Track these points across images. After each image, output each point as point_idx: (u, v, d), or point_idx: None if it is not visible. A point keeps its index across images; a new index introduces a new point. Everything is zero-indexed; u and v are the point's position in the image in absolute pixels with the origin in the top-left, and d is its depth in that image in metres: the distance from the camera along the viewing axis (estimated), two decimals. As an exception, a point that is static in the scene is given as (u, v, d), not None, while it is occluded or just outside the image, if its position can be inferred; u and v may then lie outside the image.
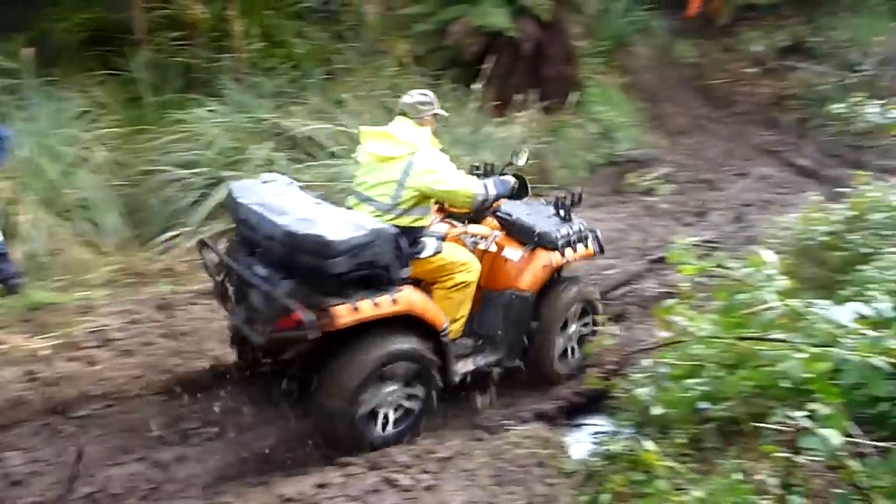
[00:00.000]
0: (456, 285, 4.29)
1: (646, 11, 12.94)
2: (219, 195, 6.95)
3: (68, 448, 3.93)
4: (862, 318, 1.83)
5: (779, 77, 12.91)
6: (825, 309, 1.85)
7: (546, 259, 4.66)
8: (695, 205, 9.21)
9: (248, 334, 3.84)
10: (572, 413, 4.82)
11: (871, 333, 1.79)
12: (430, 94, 4.31)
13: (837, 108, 6.92)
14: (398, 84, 9.50)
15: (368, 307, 3.69)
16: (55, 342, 4.93)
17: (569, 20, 10.09)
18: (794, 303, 1.97)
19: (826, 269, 4.31)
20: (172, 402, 4.41)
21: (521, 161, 4.70)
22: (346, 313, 3.61)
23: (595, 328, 4.98)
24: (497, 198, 4.42)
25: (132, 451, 3.96)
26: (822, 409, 1.80)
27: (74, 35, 8.42)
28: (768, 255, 2.08)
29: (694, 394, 3.08)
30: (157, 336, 5.11)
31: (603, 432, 4.25)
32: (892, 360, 1.77)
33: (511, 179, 4.55)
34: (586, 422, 4.72)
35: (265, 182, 4.20)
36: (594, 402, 4.77)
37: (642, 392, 3.44)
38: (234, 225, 4.20)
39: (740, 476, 2.67)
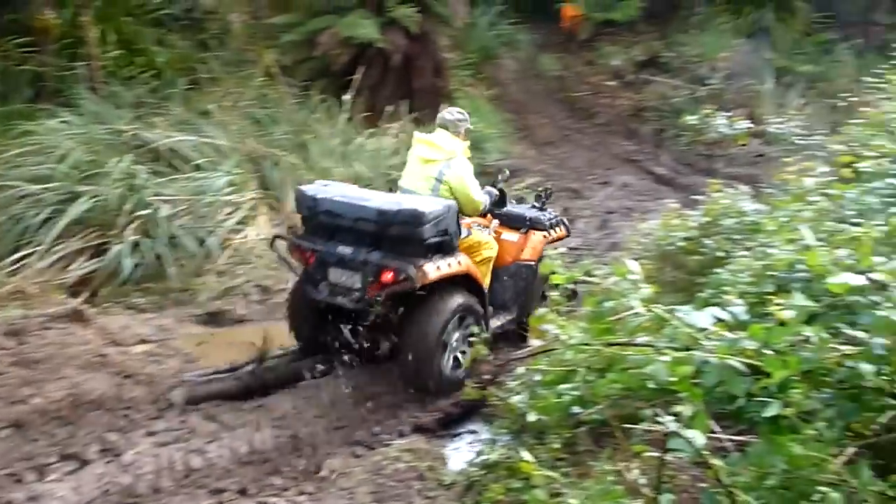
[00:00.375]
0: (482, 260, 5.28)
1: (511, 26, 13.30)
2: (74, 211, 6.57)
3: None
4: (719, 322, 1.92)
5: (636, 90, 13.56)
6: (686, 314, 1.93)
7: (539, 237, 5.77)
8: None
9: (340, 302, 4.75)
10: (450, 423, 4.85)
11: (729, 335, 1.88)
12: (465, 112, 5.54)
13: (691, 119, 7.34)
14: (266, 94, 9.32)
15: (445, 266, 4.68)
16: None
17: (437, 32, 10.19)
18: (658, 309, 2.05)
19: (684, 272, 4.52)
20: (26, 434, 4.10)
21: (504, 180, 5.79)
22: (433, 270, 4.57)
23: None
24: (488, 209, 5.50)
25: (-20, 491, 3.65)
26: (687, 410, 1.88)
27: None
28: (633, 265, 2.15)
29: (567, 399, 3.15)
30: (7, 364, 4.73)
31: (480, 441, 4.29)
32: (747, 361, 1.86)
33: (494, 191, 5.60)
34: (464, 431, 4.76)
35: (326, 185, 5.18)
36: (471, 412, 4.82)
37: (517, 399, 3.49)
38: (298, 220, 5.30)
39: (613, 478, 2.76)
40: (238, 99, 9.14)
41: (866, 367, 1.78)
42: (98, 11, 8.78)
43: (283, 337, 5.73)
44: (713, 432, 2.19)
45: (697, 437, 1.69)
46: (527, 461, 2.15)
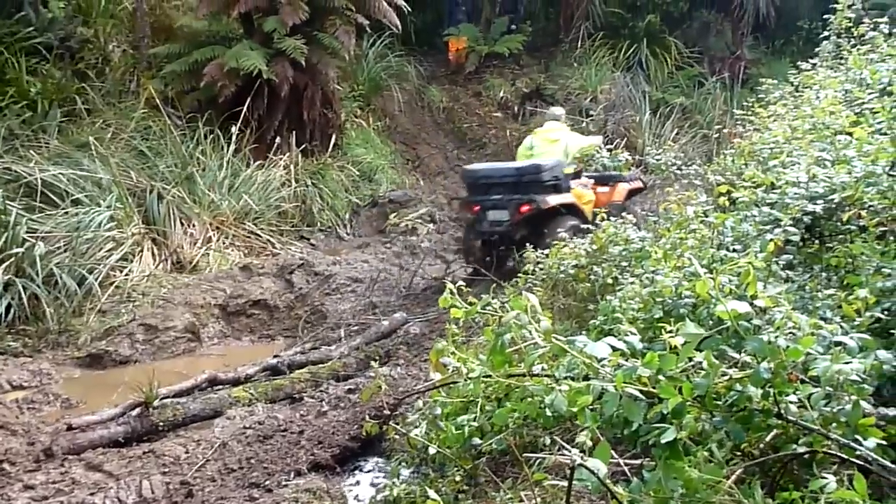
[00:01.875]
0: (587, 203, 7.55)
1: (399, 57, 13.41)
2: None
3: None
4: (615, 351, 1.98)
5: (523, 121, 13.89)
6: (584, 345, 1.98)
7: (624, 186, 8.11)
8: (454, 242, 9.60)
9: (498, 231, 7.31)
10: (348, 459, 4.76)
11: (625, 364, 1.94)
12: (561, 108, 9.24)
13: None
14: (149, 126, 9.03)
15: (559, 199, 7.24)
16: None
17: (326, 64, 10.15)
18: (558, 341, 2.09)
19: (576, 299, 4.65)
20: None
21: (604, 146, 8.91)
22: (552, 199, 7.19)
23: None
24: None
25: None
26: (586, 439, 1.92)
27: None
28: (532, 298, 2.20)
29: (467, 430, 3.17)
30: None
31: (381, 477, 4.24)
32: (643, 388, 1.92)
33: (600, 138, 9.25)
34: (363, 467, 4.69)
35: (479, 165, 9.16)
36: (369, 446, 4.75)
37: (417, 433, 3.48)
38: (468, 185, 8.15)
39: (516, 507, 2.78)
40: (119, 131, 8.81)
41: (754, 390, 1.87)
42: (-39, 39, 8.32)
43: (170, 377, 5.53)
44: (612, 456, 2.25)
45: (601, 468, 1.72)
46: (433, 499, 2.13)
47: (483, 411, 3.18)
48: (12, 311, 6.32)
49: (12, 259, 6.40)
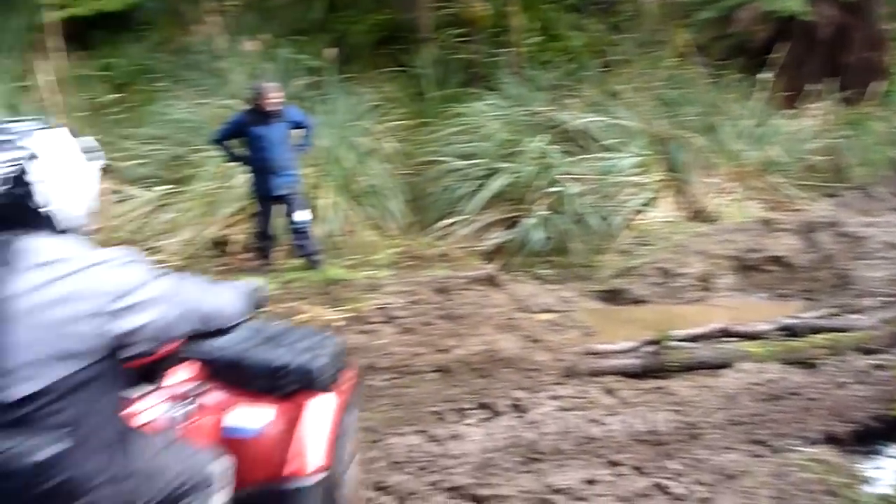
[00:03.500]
0: None
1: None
2: (494, 185, 7.19)
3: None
4: None
5: None
6: None
7: None
8: None
9: None
10: (867, 439, 4.33)
11: None
12: None
13: None
14: (677, 75, 9.16)
15: None
16: (347, 315, 5.38)
17: (876, 1, 9.05)
18: None
19: None
20: (449, 380, 4.60)
21: None
22: None
23: None
24: None
25: (412, 423, 4.18)
26: None
27: (368, 35, 9.12)
28: None
29: None
30: (436, 317, 5.37)
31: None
32: None
33: None
34: (885, 451, 4.22)
35: None
36: (894, 430, 4.26)
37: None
38: None
39: None
40: (649, 80, 9.11)
41: None
42: (522, 1, 9.39)
43: (679, 321, 5.65)
44: None
45: None
46: None
47: None
48: (546, 242, 7.09)
49: (550, 197, 7.17)
